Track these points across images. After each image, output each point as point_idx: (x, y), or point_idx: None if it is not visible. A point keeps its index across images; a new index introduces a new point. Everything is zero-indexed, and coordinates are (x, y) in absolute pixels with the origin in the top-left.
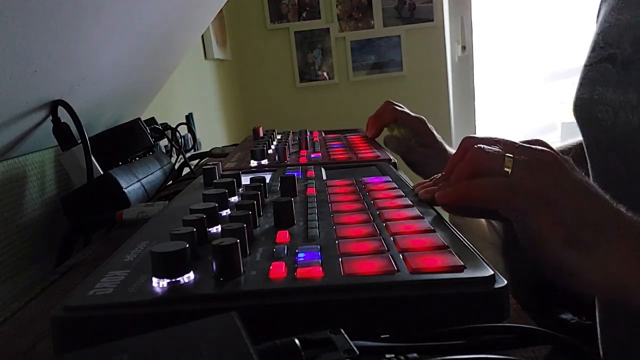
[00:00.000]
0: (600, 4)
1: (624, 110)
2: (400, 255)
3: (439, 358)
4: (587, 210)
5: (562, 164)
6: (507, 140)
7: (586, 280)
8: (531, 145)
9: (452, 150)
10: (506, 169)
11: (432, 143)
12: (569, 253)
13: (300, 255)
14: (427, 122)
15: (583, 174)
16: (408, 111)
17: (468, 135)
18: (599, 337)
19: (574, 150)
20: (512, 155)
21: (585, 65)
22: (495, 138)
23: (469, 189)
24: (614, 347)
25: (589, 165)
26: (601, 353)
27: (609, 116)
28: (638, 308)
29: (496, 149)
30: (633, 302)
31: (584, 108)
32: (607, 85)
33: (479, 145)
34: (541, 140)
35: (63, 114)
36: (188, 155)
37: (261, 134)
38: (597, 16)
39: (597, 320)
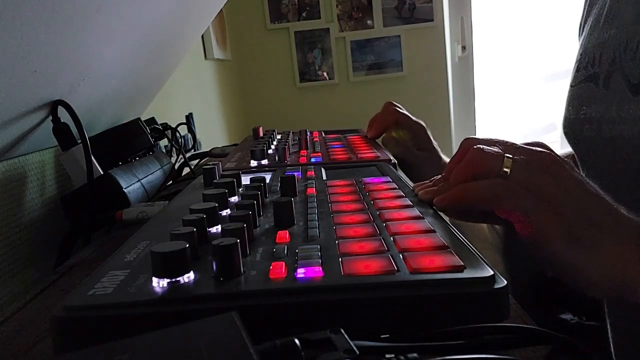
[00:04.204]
0: (581, 23)
1: (607, 126)
2: (400, 255)
3: (439, 358)
4: (588, 208)
5: (562, 164)
6: (506, 142)
7: (587, 277)
8: (531, 147)
9: (446, 159)
10: (505, 170)
11: (429, 148)
12: (571, 250)
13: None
14: (426, 127)
15: (583, 175)
16: (409, 114)
17: (468, 137)
18: (610, 340)
19: (572, 156)
20: (511, 156)
21: (571, 86)
22: (495, 139)
23: (466, 191)
24: (625, 349)
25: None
26: (613, 355)
27: (594, 133)
28: (638, 305)
29: (496, 149)
30: (633, 300)
31: (571, 126)
32: (591, 103)
33: (478, 145)
34: (542, 143)
35: (63, 114)
36: (188, 155)
37: (261, 134)
38: (579, 35)
39: (608, 322)
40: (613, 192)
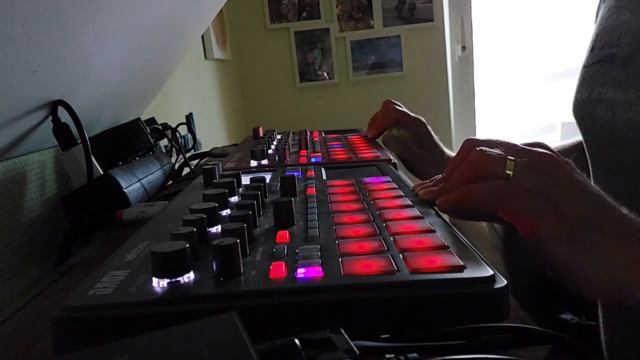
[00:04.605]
0: (599, 5)
1: (623, 108)
2: (400, 255)
3: (439, 358)
4: (589, 210)
5: (563, 165)
6: (508, 143)
7: (588, 280)
8: (532, 148)
9: (449, 153)
10: (507, 172)
11: (430, 144)
12: (571, 253)
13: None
14: (426, 123)
15: (584, 175)
16: (408, 111)
17: (470, 137)
18: (602, 338)
19: (575, 154)
20: (513, 158)
21: (584, 66)
22: (497, 140)
23: (469, 194)
24: (618, 348)
25: (589, 162)
26: (605, 354)
27: (607, 114)
28: (639, 308)
29: (498, 151)
30: (634, 303)
31: (583, 107)
32: (606, 84)
33: (480, 147)
34: (542, 143)
35: (63, 114)
36: (188, 155)
37: (261, 134)
38: (596, 17)
39: (601, 323)
40: (624, 178)
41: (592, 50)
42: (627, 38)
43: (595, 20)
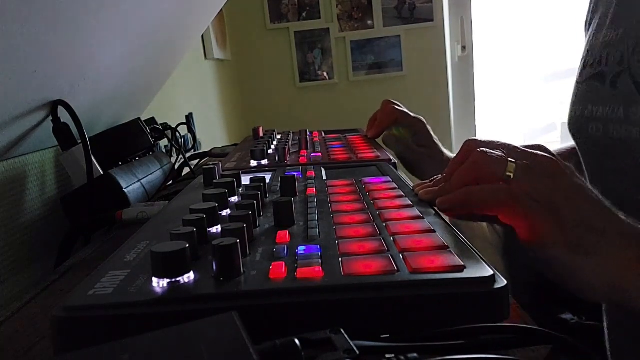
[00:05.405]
0: (589, 20)
1: (614, 126)
2: (400, 255)
3: (439, 358)
4: (589, 214)
5: (563, 169)
6: (509, 145)
7: (587, 283)
8: (533, 151)
9: (448, 153)
10: (508, 174)
11: (430, 144)
12: (571, 257)
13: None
14: (426, 122)
15: (583, 179)
16: (407, 111)
17: (471, 138)
18: (606, 340)
19: (575, 158)
20: (514, 160)
21: (577, 82)
22: (498, 142)
23: (470, 195)
24: (622, 350)
25: (585, 175)
26: (609, 354)
27: (599, 132)
28: (637, 311)
29: (499, 153)
30: (633, 306)
31: (577, 124)
32: (597, 102)
33: (481, 149)
34: (542, 146)
35: (63, 114)
36: (188, 155)
37: (261, 134)
38: (585, 30)
39: (605, 324)
40: (618, 193)
41: (584, 67)
42: (614, 56)
43: (585, 34)
